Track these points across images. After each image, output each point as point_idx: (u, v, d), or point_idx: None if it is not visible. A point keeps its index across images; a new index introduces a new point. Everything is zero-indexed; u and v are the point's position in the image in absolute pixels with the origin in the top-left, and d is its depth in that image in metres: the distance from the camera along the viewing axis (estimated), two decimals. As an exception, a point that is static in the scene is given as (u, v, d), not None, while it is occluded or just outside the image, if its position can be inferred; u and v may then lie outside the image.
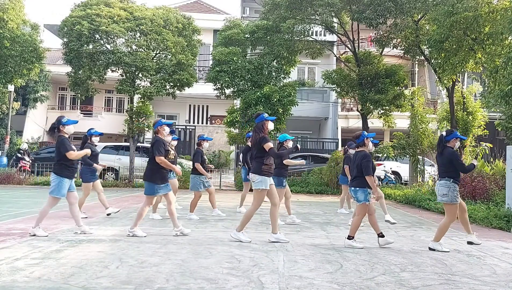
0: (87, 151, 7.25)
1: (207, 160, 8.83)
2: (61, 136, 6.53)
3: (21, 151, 19.97)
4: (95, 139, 8.72)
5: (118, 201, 12.19)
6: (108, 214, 8.60)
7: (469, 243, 6.19)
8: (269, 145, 6.31)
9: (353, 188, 6.41)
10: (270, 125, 6.53)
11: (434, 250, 6.19)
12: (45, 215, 6.56)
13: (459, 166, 6.24)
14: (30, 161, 19.79)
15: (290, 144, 8.64)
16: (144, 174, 6.75)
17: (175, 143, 9.53)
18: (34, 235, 6.33)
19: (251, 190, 7.47)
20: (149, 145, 6.90)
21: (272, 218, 6.54)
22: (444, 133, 6.54)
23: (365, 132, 6.73)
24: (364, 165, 6.23)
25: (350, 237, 6.30)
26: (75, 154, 6.49)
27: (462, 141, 16.10)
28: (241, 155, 10.21)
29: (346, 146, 11.02)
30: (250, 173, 6.54)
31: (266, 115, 6.55)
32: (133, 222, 6.70)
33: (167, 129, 6.82)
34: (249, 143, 9.83)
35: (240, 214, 9.73)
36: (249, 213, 6.45)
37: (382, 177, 19.58)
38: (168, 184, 6.78)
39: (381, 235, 6.37)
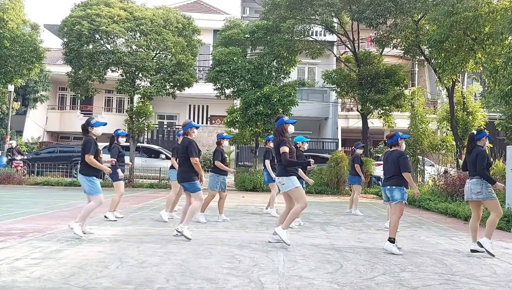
0: (107, 169, 7.09)
1: (227, 158, 8.76)
2: (88, 136, 6.62)
3: (11, 150, 19.68)
4: (122, 140, 8.76)
5: (118, 201, 12.15)
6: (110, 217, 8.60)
7: (473, 251, 6.17)
8: (284, 149, 6.25)
9: (388, 187, 6.34)
10: (291, 128, 6.51)
11: (482, 246, 6.10)
12: (89, 213, 6.52)
13: (479, 165, 6.18)
14: (22, 158, 19.57)
15: (305, 146, 9.00)
16: (180, 177, 6.68)
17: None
18: (72, 229, 6.26)
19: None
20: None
21: (285, 215, 6.46)
22: (474, 132, 6.57)
23: (400, 132, 6.71)
24: (401, 162, 6.22)
25: (391, 239, 6.06)
26: (92, 160, 6.46)
27: (463, 142, 16.12)
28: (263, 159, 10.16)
29: (353, 147, 11.24)
30: (276, 178, 6.53)
31: (286, 118, 6.52)
32: (184, 219, 6.58)
33: (196, 132, 6.83)
34: (268, 146, 9.86)
35: (271, 217, 9.60)
36: (298, 210, 6.28)
37: (382, 177, 19.56)
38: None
39: (391, 240, 6.13)
